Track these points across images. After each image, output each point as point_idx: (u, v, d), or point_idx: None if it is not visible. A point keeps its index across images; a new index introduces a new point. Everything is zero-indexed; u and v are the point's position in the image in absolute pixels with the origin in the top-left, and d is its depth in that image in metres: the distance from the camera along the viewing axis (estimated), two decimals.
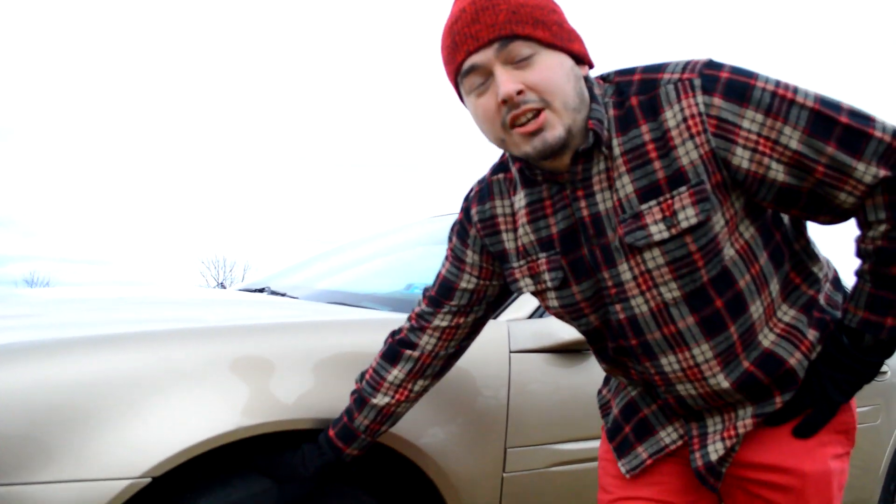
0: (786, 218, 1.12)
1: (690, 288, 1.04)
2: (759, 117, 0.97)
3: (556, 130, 0.99)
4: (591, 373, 1.74)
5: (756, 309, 1.07)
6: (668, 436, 1.20)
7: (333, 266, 2.74)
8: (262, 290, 2.44)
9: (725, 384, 1.09)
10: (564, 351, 1.73)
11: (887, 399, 2.55)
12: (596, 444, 1.58)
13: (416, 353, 1.30)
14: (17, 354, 1.20)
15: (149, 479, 1.19)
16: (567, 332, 1.69)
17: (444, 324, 1.28)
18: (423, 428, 1.48)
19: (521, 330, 1.70)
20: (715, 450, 1.13)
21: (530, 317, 1.76)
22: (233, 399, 1.29)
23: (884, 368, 2.51)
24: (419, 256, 2.58)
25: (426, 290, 1.33)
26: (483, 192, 1.22)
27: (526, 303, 1.78)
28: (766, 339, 1.08)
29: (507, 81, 0.98)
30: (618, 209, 1.04)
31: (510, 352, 1.65)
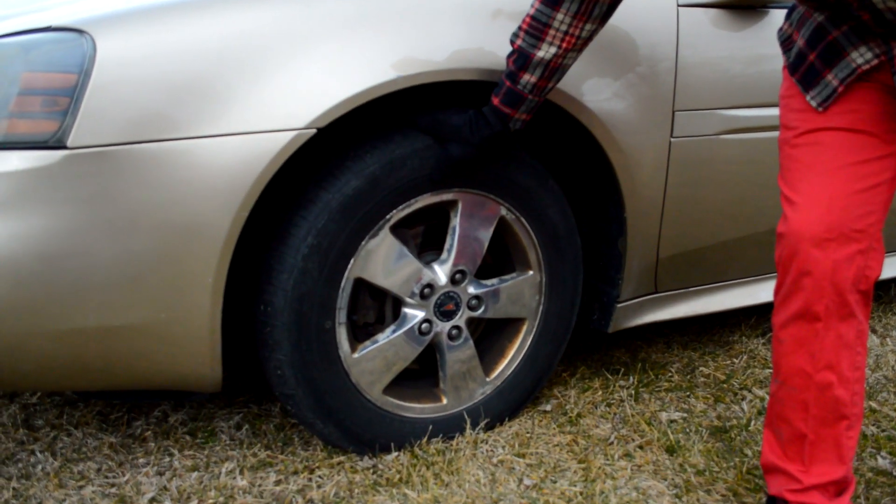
0: None
1: None
2: None
3: None
4: (768, 32, 1.56)
5: None
6: (862, 56, 1.06)
7: None
8: None
9: None
10: (739, 7, 1.54)
11: None
12: (772, 111, 1.43)
13: None
14: (170, 11, 1.15)
15: (313, 131, 1.17)
16: None
17: None
18: (587, 85, 1.37)
19: None
20: None
21: None
22: (391, 50, 1.21)
23: None
24: None
25: None
26: None
27: None
28: None
29: None
30: None
31: (678, 5, 1.47)
